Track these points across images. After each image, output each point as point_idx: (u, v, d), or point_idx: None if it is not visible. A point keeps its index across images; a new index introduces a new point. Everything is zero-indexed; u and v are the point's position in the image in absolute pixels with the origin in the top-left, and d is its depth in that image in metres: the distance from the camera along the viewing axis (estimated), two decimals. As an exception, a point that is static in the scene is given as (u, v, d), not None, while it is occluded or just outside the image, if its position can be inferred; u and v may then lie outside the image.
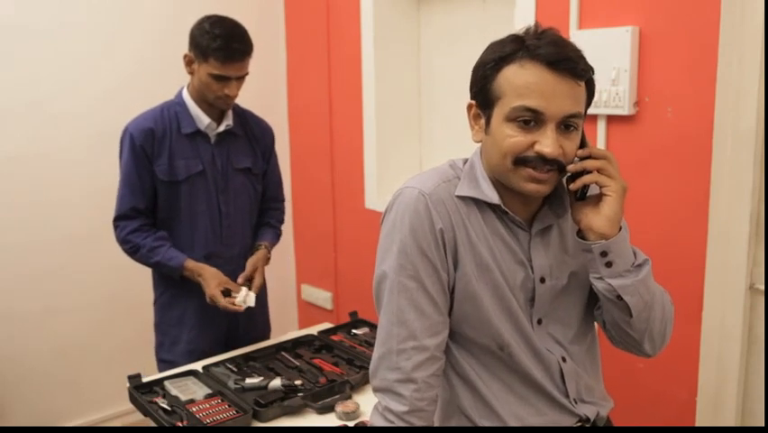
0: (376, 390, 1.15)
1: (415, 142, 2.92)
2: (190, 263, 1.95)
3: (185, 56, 1.92)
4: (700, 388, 1.84)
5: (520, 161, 1.06)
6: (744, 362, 1.76)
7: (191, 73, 1.94)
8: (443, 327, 1.14)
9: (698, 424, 1.85)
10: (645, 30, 1.84)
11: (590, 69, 1.08)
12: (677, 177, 1.82)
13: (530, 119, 1.04)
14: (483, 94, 1.10)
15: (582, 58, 1.06)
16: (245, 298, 1.93)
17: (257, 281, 2.02)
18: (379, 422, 1.13)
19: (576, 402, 1.20)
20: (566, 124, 1.05)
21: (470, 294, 1.13)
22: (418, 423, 1.10)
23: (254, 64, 1.97)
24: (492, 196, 1.12)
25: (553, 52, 1.03)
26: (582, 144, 1.10)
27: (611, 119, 1.94)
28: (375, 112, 2.77)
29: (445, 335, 1.15)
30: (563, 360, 1.18)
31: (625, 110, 1.87)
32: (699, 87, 1.74)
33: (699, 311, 1.81)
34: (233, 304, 1.91)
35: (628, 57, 1.84)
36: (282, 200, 2.28)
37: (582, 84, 1.07)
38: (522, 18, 2.11)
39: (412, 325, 1.11)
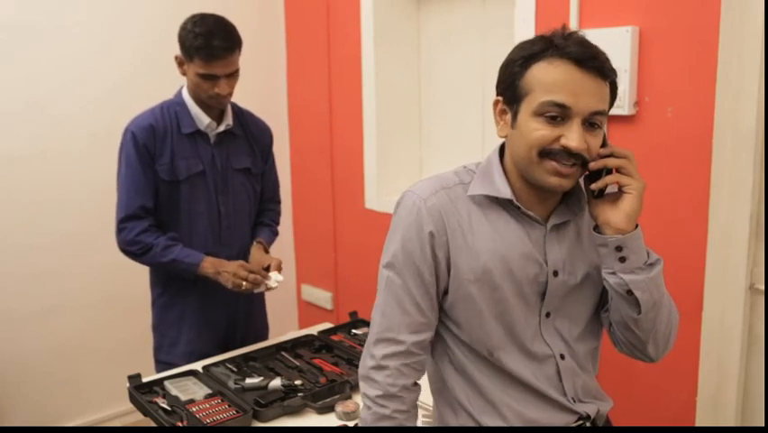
0: (359, 378, 1.22)
1: (415, 142, 2.92)
2: (210, 258, 1.93)
3: (176, 57, 1.92)
4: (700, 388, 1.84)
5: (545, 153, 1.08)
6: (744, 362, 1.76)
7: (183, 74, 1.93)
8: (425, 328, 1.18)
9: (698, 424, 1.85)
10: (645, 30, 1.84)
11: (615, 72, 1.11)
12: (677, 177, 1.82)
13: (557, 114, 1.07)
14: (511, 90, 1.12)
15: (608, 59, 1.09)
16: (274, 279, 1.98)
17: (274, 264, 2.01)
18: (363, 410, 1.20)
19: (575, 401, 1.21)
20: (591, 122, 1.08)
21: (465, 296, 1.16)
22: (391, 406, 1.16)
23: (254, 64, 1.97)
24: (505, 191, 1.15)
25: (581, 51, 1.06)
26: (603, 144, 1.12)
27: (611, 119, 1.93)
28: (375, 112, 2.77)
29: (427, 335, 1.19)
30: (562, 357, 1.19)
31: (625, 110, 1.87)
32: (699, 86, 1.74)
33: (699, 311, 1.81)
34: (266, 285, 1.95)
35: (628, 57, 1.84)
36: (278, 201, 2.27)
37: (607, 84, 1.10)
38: (522, 18, 2.11)
39: (392, 319, 1.17)
